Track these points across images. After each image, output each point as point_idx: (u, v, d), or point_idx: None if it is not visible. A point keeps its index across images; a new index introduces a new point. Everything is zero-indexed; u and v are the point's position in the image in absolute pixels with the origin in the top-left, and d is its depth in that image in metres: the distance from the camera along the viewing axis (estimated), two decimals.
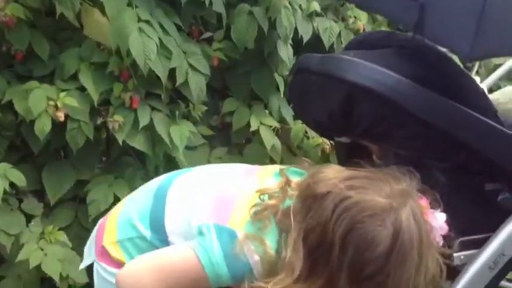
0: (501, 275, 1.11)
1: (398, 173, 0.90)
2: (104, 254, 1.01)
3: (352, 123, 1.14)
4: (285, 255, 0.86)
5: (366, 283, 0.83)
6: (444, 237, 0.92)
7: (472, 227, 1.16)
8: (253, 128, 1.86)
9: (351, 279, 0.83)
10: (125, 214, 1.03)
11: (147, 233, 0.99)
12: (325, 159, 2.02)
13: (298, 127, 1.94)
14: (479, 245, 1.14)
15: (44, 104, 1.46)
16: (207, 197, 0.97)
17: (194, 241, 0.92)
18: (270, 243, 0.88)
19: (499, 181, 1.18)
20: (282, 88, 1.94)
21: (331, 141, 1.92)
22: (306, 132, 1.93)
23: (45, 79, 1.57)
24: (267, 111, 1.95)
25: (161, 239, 0.98)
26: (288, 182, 0.93)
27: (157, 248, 0.97)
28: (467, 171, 1.15)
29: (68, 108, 1.50)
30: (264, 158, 1.93)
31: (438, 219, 0.90)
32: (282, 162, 2.03)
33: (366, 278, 0.83)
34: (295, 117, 1.97)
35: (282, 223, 0.89)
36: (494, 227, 1.15)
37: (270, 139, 1.87)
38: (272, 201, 0.91)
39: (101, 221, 1.08)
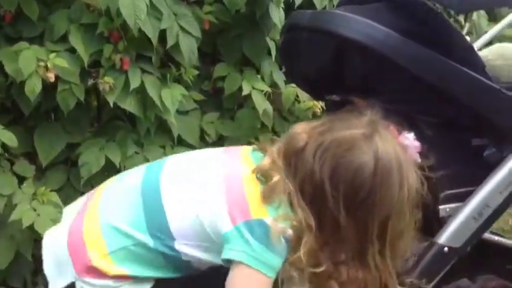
0: (485, 226, 1.14)
1: (359, 111, 0.97)
2: (92, 271, 0.97)
3: (342, 78, 1.15)
4: (300, 218, 0.91)
5: (360, 210, 0.89)
6: (420, 153, 0.98)
7: (458, 181, 1.19)
8: (245, 92, 1.86)
9: (347, 211, 0.89)
10: (108, 223, 0.98)
11: (145, 238, 0.96)
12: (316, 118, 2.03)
13: (289, 91, 1.94)
14: (464, 198, 1.16)
15: (33, 65, 1.45)
16: (211, 184, 0.97)
17: (233, 252, 0.92)
18: (290, 213, 0.92)
19: (485, 136, 1.21)
20: (273, 52, 1.93)
21: (322, 106, 1.94)
22: (297, 96, 1.94)
23: (34, 40, 1.56)
24: (258, 76, 1.95)
25: (166, 244, 0.96)
26: (272, 153, 0.97)
27: (162, 253, 0.96)
28: (454, 126, 1.17)
29: (58, 69, 1.49)
30: (255, 122, 1.94)
31: (409, 139, 0.97)
32: (273, 127, 2.04)
33: (359, 204, 0.89)
34: (287, 82, 1.97)
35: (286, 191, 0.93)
36: (479, 181, 1.18)
37: (261, 104, 1.87)
38: (275, 178, 0.93)
39: (64, 240, 1.00)
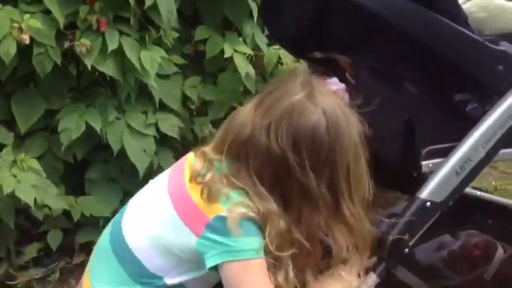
0: (467, 180, 1.14)
1: (286, 77, 1.00)
2: None
3: (326, 34, 1.13)
4: (258, 206, 0.90)
5: (325, 167, 0.92)
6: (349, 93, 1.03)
7: (440, 136, 1.18)
8: (226, 55, 1.84)
9: (315, 172, 0.91)
10: None
11: None
12: None
13: (271, 53, 1.92)
14: (447, 154, 1.16)
15: (7, 26, 1.41)
16: (160, 208, 0.97)
17: (212, 258, 0.91)
18: (248, 202, 0.91)
19: (468, 90, 1.20)
20: (255, 15, 1.90)
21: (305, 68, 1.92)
22: (280, 58, 1.92)
23: (7, 3, 1.51)
24: (240, 39, 1.92)
25: (158, 284, 0.96)
26: (205, 153, 0.97)
27: None
28: (437, 82, 1.16)
29: (33, 31, 1.45)
30: (238, 86, 1.92)
31: (335, 83, 1.03)
32: (256, 92, 2.02)
33: (324, 162, 0.91)
34: (269, 45, 1.94)
35: (232, 184, 0.93)
36: (461, 136, 1.17)
37: (244, 67, 1.85)
38: (208, 176, 0.94)
39: None
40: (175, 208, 0.96)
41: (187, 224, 0.93)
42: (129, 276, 0.98)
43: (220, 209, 0.91)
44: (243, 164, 0.93)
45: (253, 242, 0.91)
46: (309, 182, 0.90)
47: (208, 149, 0.99)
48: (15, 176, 1.48)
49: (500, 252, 1.40)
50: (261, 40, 1.95)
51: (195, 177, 0.95)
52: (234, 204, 0.91)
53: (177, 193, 0.97)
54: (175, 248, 0.95)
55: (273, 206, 0.91)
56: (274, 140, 0.91)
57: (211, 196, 0.92)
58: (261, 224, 0.92)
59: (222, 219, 0.90)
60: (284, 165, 0.91)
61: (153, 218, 0.99)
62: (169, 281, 0.96)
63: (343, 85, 1.01)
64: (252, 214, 0.91)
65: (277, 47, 1.92)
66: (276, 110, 0.92)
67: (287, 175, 0.91)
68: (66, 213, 1.71)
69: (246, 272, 0.91)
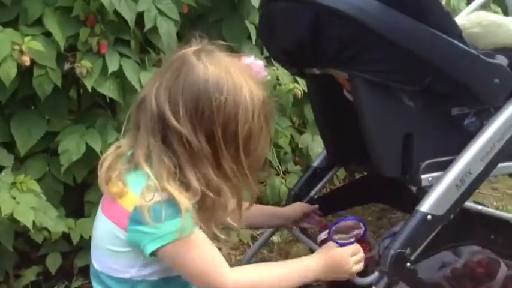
0: (467, 193, 1.14)
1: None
2: None
3: (321, 49, 1.14)
4: (157, 183, 0.92)
5: (202, 122, 0.93)
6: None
7: (438, 150, 1.19)
8: None
9: (194, 127, 0.93)
10: None
11: None
12: (297, 104, 2.03)
13: (270, 73, 1.93)
14: (446, 167, 1.16)
15: (8, 48, 1.42)
16: (99, 214, 1.02)
17: (147, 247, 0.93)
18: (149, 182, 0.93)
19: (465, 105, 1.21)
20: (254, 36, 1.92)
21: (303, 88, 1.93)
22: (278, 78, 1.93)
23: (8, 25, 1.53)
24: None
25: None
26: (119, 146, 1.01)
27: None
28: (434, 96, 1.17)
29: (33, 53, 1.46)
30: None
31: (249, 58, 1.03)
32: None
33: (200, 117, 0.93)
34: (268, 65, 1.96)
35: (136, 165, 0.95)
36: (460, 150, 1.18)
37: None
38: (114, 167, 0.97)
39: None
40: (102, 208, 1.01)
41: (113, 221, 0.96)
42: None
43: (134, 197, 0.93)
44: (140, 131, 0.96)
45: (176, 222, 0.91)
46: (189, 138, 0.92)
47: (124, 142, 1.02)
48: (14, 198, 1.47)
49: (503, 269, 1.38)
50: (258, 58, 1.96)
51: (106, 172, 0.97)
52: (144, 190, 0.92)
53: (104, 193, 1.01)
54: (116, 246, 0.97)
55: (164, 172, 0.92)
56: (158, 102, 0.94)
57: (119, 187, 0.95)
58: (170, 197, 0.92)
59: (138, 210, 0.92)
60: (164, 120, 0.93)
61: (96, 229, 1.04)
62: (144, 277, 0.99)
63: (260, 62, 1.03)
64: (160, 198, 0.91)
65: (275, 67, 1.93)
66: (165, 71, 0.96)
67: (168, 129, 0.93)
68: (66, 236, 1.69)
69: (183, 250, 0.94)
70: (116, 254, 0.98)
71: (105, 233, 0.99)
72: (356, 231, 1.18)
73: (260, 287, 1.02)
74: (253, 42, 1.94)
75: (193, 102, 0.93)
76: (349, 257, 1.09)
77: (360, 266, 1.10)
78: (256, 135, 0.97)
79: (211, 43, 1.01)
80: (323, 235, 1.24)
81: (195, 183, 0.93)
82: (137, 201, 0.92)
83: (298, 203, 1.43)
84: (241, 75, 0.96)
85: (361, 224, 1.18)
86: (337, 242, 1.16)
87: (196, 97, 0.93)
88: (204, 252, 0.96)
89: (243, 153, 0.96)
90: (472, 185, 1.13)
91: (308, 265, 1.07)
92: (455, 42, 1.09)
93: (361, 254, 1.11)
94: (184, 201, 0.91)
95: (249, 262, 1.51)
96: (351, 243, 1.12)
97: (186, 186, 0.93)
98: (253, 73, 1.00)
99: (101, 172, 0.98)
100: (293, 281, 1.04)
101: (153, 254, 0.94)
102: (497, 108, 1.21)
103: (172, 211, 0.92)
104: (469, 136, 1.19)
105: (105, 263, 1.01)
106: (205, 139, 0.94)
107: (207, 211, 0.96)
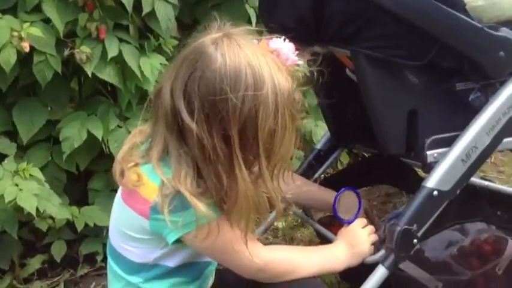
0: (473, 168, 1.13)
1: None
2: None
3: (323, 26, 1.12)
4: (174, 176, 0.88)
5: (216, 120, 0.86)
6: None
7: (443, 126, 1.17)
8: None
9: (207, 122, 0.86)
10: None
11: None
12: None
13: None
14: (451, 143, 1.15)
15: (7, 34, 1.42)
16: (119, 202, 1.00)
17: (170, 234, 0.91)
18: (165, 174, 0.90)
19: (470, 80, 1.19)
20: (253, 20, 1.90)
21: (304, 71, 1.91)
22: None
23: (7, 12, 1.52)
24: None
25: (159, 271, 0.99)
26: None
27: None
28: (438, 71, 1.15)
29: (33, 40, 1.45)
30: None
31: (278, 41, 0.93)
32: None
33: (215, 114, 0.85)
34: None
35: (154, 156, 0.91)
36: (464, 126, 1.16)
37: None
38: (133, 157, 0.95)
39: None
40: (122, 196, 0.98)
41: (134, 210, 0.94)
42: (127, 274, 1.00)
43: (154, 187, 0.89)
44: (158, 124, 0.91)
45: (198, 211, 0.88)
46: (203, 134, 0.85)
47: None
48: (17, 185, 1.47)
49: (511, 246, 1.37)
50: None
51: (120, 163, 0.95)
52: (164, 181, 0.88)
53: (119, 184, 0.98)
54: (137, 233, 0.95)
55: (183, 172, 0.88)
56: (172, 90, 0.87)
57: (136, 177, 0.92)
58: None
59: (160, 199, 0.89)
60: (179, 116, 0.86)
61: (115, 213, 1.02)
62: (165, 263, 0.98)
63: (291, 44, 0.93)
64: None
65: None
66: (181, 58, 0.89)
67: (183, 126, 0.87)
68: (70, 225, 1.69)
69: (208, 237, 0.91)
70: (136, 240, 0.96)
71: (126, 220, 0.98)
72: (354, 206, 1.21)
73: (292, 265, 1.01)
74: (253, 26, 1.92)
75: (209, 100, 0.85)
76: (362, 231, 1.11)
77: (374, 236, 1.12)
78: (280, 134, 0.88)
79: (233, 26, 0.92)
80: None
81: (210, 184, 0.88)
82: (157, 191, 0.89)
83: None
84: (265, 65, 0.86)
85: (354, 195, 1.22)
86: (342, 220, 1.16)
87: (212, 95, 0.84)
88: (228, 237, 0.92)
89: (264, 156, 0.88)
90: (478, 160, 1.12)
91: (334, 254, 1.08)
92: (460, 15, 1.07)
93: (369, 226, 1.13)
94: (198, 204, 0.87)
95: None
96: (356, 217, 1.15)
97: (203, 186, 0.89)
98: (281, 60, 0.91)
99: (115, 163, 0.95)
100: (322, 267, 1.05)
101: (175, 241, 0.93)
102: (503, 83, 1.19)
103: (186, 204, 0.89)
104: (474, 112, 1.17)
105: (123, 245, 0.99)
106: (222, 141, 0.86)
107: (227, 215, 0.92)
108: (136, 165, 0.93)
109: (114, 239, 1.02)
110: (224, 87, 0.84)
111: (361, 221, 1.14)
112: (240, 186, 0.87)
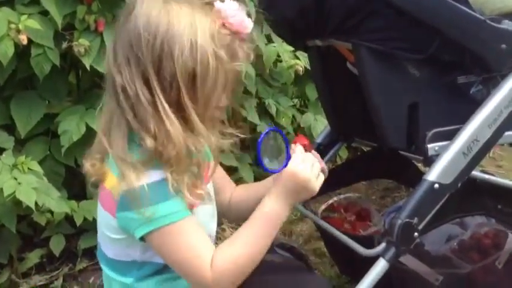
0: (475, 161, 1.12)
1: None
2: None
3: (325, 18, 1.11)
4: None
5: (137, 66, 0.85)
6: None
7: (444, 119, 1.17)
8: None
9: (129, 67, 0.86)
10: None
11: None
12: (298, 83, 2.00)
13: (270, 50, 1.91)
14: (452, 136, 1.15)
15: (5, 27, 1.40)
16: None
17: (137, 230, 0.89)
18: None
19: (472, 73, 1.19)
20: (253, 14, 1.88)
21: (305, 65, 1.91)
22: (279, 55, 1.91)
23: (5, 5, 1.50)
24: None
25: (149, 270, 0.97)
26: None
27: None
28: (439, 64, 1.15)
29: (30, 32, 1.44)
30: (237, 86, 1.90)
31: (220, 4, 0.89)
32: (257, 94, 2.01)
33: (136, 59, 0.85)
34: (268, 43, 1.94)
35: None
36: (466, 119, 1.16)
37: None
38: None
39: None
40: (99, 194, 0.96)
41: (105, 209, 0.93)
42: (119, 275, 0.98)
43: (114, 179, 0.89)
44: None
45: (163, 206, 0.86)
46: (124, 81, 0.85)
47: None
48: (15, 179, 1.46)
49: (511, 239, 1.37)
50: (260, 40, 1.94)
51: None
52: (123, 171, 0.86)
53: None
54: (112, 233, 0.94)
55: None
56: (107, 53, 0.90)
57: (101, 169, 0.91)
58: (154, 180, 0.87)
59: (124, 194, 0.87)
60: (110, 76, 0.87)
61: (98, 216, 1.00)
62: (148, 260, 0.96)
63: (234, 3, 0.91)
64: (145, 181, 0.86)
65: (275, 44, 1.91)
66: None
67: (116, 85, 0.86)
68: (69, 219, 1.69)
69: (170, 237, 0.88)
70: (114, 240, 0.96)
71: (101, 219, 0.97)
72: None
73: (242, 258, 0.92)
74: (253, 20, 1.91)
75: (127, 44, 0.85)
76: (301, 169, 0.95)
77: (318, 167, 0.98)
78: (201, 75, 0.85)
79: None
80: (323, 206, 1.20)
81: (145, 142, 0.86)
82: (117, 183, 0.87)
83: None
84: (187, 6, 0.86)
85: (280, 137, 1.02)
86: (270, 170, 1.00)
87: (128, 36, 0.85)
88: (189, 240, 0.89)
89: (188, 98, 0.86)
90: (479, 153, 1.11)
91: (272, 207, 0.94)
92: (462, 7, 1.07)
93: (308, 156, 0.98)
94: (134, 177, 0.85)
95: None
96: (286, 163, 0.97)
97: (141, 149, 0.87)
98: (223, 16, 0.88)
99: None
100: (269, 232, 0.94)
101: (143, 239, 0.90)
102: (504, 76, 1.19)
103: (158, 194, 0.87)
104: (476, 105, 1.17)
105: (108, 247, 0.99)
106: (143, 84, 0.85)
107: (174, 171, 0.88)
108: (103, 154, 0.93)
109: (102, 243, 1.01)
110: (138, 26, 0.85)
111: (298, 157, 0.97)
112: (171, 131, 0.85)
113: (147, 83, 0.85)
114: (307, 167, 0.96)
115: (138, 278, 0.97)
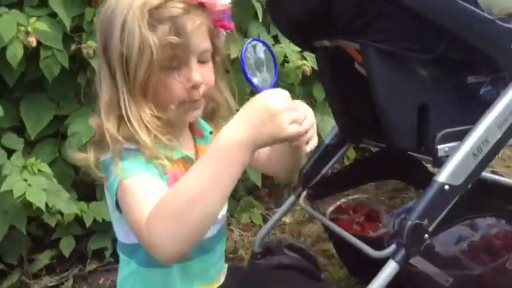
0: (485, 162, 1.11)
1: None
2: None
3: (333, 19, 1.11)
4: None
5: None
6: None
7: (454, 120, 1.16)
8: (232, 56, 1.82)
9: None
10: None
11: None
12: (305, 84, 2.00)
13: (277, 51, 1.91)
14: (462, 137, 1.14)
15: (14, 29, 1.41)
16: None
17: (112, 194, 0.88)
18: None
19: (481, 73, 1.18)
20: (260, 15, 1.89)
21: (312, 66, 1.91)
22: (286, 56, 1.90)
23: (14, 7, 1.51)
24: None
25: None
26: None
27: None
28: (448, 65, 1.14)
29: (39, 35, 1.45)
30: (244, 87, 1.90)
31: None
32: None
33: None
34: (275, 44, 1.94)
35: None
36: (476, 119, 1.15)
37: None
38: None
39: None
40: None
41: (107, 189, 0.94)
42: (127, 257, 0.99)
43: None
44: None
45: (126, 163, 0.87)
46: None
47: None
48: (25, 180, 1.47)
49: None
50: (267, 40, 1.94)
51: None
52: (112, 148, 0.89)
53: None
54: (112, 213, 0.94)
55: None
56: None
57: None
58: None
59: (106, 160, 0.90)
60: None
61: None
62: None
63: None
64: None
65: (282, 45, 1.91)
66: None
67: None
68: (79, 220, 1.69)
69: (122, 194, 0.86)
70: (117, 220, 0.96)
71: (108, 202, 0.97)
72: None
73: (178, 202, 0.76)
74: (260, 21, 1.91)
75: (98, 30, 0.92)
76: (280, 95, 0.79)
77: (293, 115, 0.80)
78: (127, 53, 0.86)
79: None
80: (331, 208, 1.19)
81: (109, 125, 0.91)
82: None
83: None
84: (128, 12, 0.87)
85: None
86: (257, 87, 0.82)
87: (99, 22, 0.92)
88: (138, 194, 0.84)
89: (127, 73, 0.88)
90: (490, 154, 1.11)
91: (226, 133, 0.77)
92: (471, 7, 1.06)
93: (299, 102, 0.88)
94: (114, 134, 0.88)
95: (261, 243, 1.50)
96: (274, 83, 0.84)
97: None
98: (208, 4, 0.92)
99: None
100: (216, 168, 0.76)
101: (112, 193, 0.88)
102: None
103: (130, 153, 0.88)
104: (485, 105, 1.16)
105: (117, 230, 1.00)
106: (104, 59, 0.92)
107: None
108: None
109: (114, 226, 1.00)
110: (101, 9, 0.92)
111: (280, 89, 0.81)
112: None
113: (107, 61, 0.91)
114: (286, 101, 0.79)
115: (141, 262, 0.97)
